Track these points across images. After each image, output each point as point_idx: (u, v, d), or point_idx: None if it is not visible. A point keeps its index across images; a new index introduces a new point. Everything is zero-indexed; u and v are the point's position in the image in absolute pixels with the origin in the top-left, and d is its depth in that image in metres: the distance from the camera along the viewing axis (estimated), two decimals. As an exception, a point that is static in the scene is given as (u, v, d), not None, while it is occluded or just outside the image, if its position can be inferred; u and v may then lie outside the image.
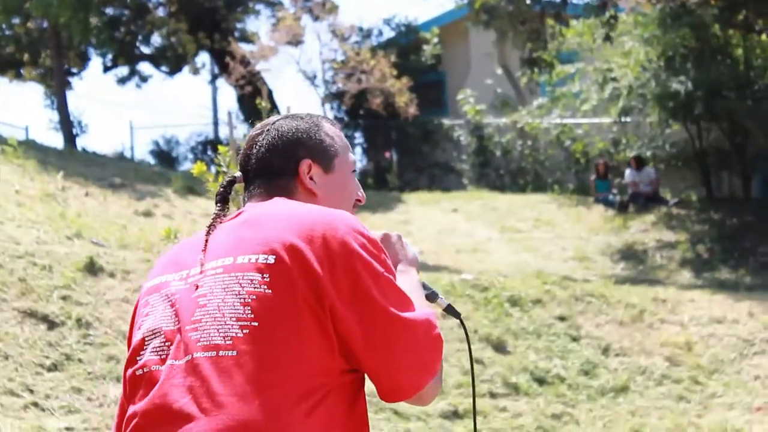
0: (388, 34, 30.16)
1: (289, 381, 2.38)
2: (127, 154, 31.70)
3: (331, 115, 27.17)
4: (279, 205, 2.62)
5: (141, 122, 71.75)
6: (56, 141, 33.08)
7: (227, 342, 2.41)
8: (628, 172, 21.35)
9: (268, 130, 2.80)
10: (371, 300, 2.44)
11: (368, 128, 28.80)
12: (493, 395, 10.16)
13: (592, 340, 11.80)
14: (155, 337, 2.52)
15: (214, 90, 35.56)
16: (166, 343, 2.49)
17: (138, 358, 2.54)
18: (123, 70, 31.31)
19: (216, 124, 34.93)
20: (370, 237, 2.53)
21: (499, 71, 27.47)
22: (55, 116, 30.82)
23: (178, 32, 29.21)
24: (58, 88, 26.95)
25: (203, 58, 32.94)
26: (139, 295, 2.73)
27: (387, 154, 27.98)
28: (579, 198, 21.92)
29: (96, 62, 31.11)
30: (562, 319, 12.20)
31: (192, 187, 17.60)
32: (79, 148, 25.73)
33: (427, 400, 2.57)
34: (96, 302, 9.40)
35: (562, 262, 16.84)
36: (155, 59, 31.02)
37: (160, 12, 30.25)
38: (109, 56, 30.54)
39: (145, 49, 30.99)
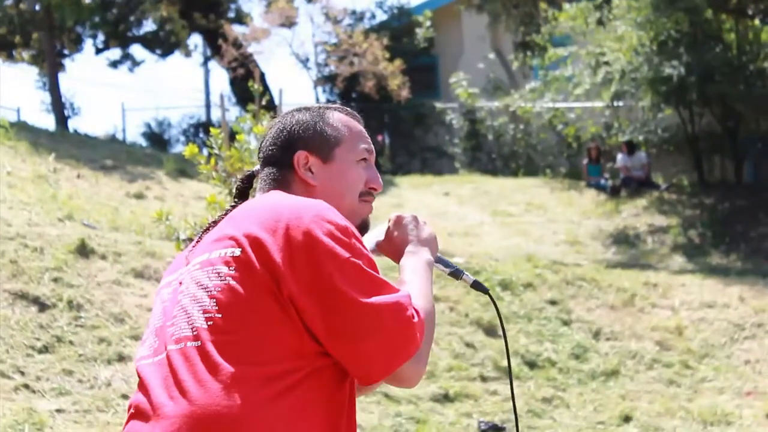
0: (381, 16, 30.09)
1: (251, 366, 2.45)
2: (119, 136, 31.64)
3: (323, 98, 27.14)
4: (263, 198, 2.70)
5: (133, 104, 71.67)
6: (48, 123, 33.08)
7: (193, 333, 2.51)
8: (620, 156, 21.36)
9: (275, 123, 2.89)
10: (332, 287, 2.47)
11: (360, 111, 28.40)
12: (483, 379, 10.17)
13: (583, 324, 11.82)
14: (150, 334, 2.66)
15: (207, 72, 35.57)
16: (156, 339, 2.62)
17: (140, 354, 2.68)
18: (115, 53, 31.22)
19: (208, 106, 34.92)
20: (339, 224, 2.54)
21: (492, 55, 27.43)
22: (47, 98, 30.74)
23: (171, 14, 29.09)
24: (50, 69, 26.85)
25: (195, 39, 32.87)
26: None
27: (379, 138, 27.95)
28: (571, 182, 21.92)
29: (88, 44, 30.90)
30: (553, 303, 12.22)
31: (184, 169, 17.58)
32: (71, 130, 25.68)
33: (407, 382, 2.59)
34: (87, 284, 9.40)
35: (554, 246, 16.85)
36: (148, 41, 30.91)
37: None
38: (102, 38, 30.45)
39: (138, 32, 30.89)
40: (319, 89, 27.09)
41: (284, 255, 2.48)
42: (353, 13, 29.15)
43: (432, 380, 9.81)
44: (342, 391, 2.55)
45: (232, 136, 8.61)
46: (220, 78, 69.50)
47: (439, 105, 27.47)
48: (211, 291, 2.53)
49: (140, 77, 73.08)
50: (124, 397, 7.85)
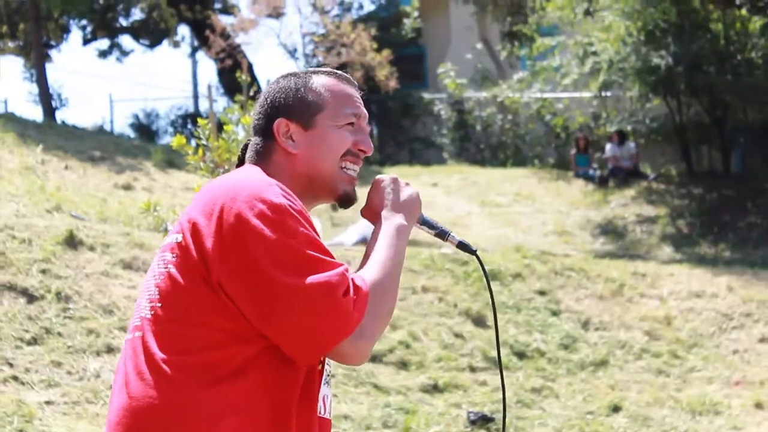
0: (369, 7, 30.14)
1: (189, 355, 2.45)
2: (107, 127, 31.57)
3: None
4: (219, 178, 2.65)
5: (121, 95, 71.52)
6: (36, 114, 32.94)
7: (138, 323, 2.54)
8: (608, 146, 21.38)
9: (263, 92, 2.84)
10: (258, 270, 2.42)
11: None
12: (473, 369, 10.17)
13: (571, 315, 11.83)
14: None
15: (194, 63, 35.53)
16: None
17: None
18: (103, 43, 31.17)
19: (196, 97, 34.88)
20: (273, 203, 2.47)
21: (480, 45, 27.43)
22: (34, 89, 30.70)
23: (158, 4, 29.03)
24: (36, 60, 26.77)
25: (183, 30, 32.82)
26: None
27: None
28: (559, 172, 21.94)
29: (76, 35, 30.87)
30: (542, 293, 12.23)
31: (172, 160, 17.56)
32: (58, 121, 25.59)
33: (351, 359, 2.50)
34: (76, 276, 9.38)
35: (542, 237, 16.87)
36: (135, 31, 30.85)
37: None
38: (89, 28, 30.36)
39: (126, 21, 30.82)
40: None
41: (215, 240, 2.45)
42: (341, 3, 29.14)
43: (421, 371, 9.81)
44: (296, 371, 2.51)
45: (219, 126, 8.57)
46: (208, 69, 69.44)
47: (426, 95, 27.47)
48: (157, 279, 2.54)
49: (128, 68, 72.80)
50: (113, 388, 7.82)
